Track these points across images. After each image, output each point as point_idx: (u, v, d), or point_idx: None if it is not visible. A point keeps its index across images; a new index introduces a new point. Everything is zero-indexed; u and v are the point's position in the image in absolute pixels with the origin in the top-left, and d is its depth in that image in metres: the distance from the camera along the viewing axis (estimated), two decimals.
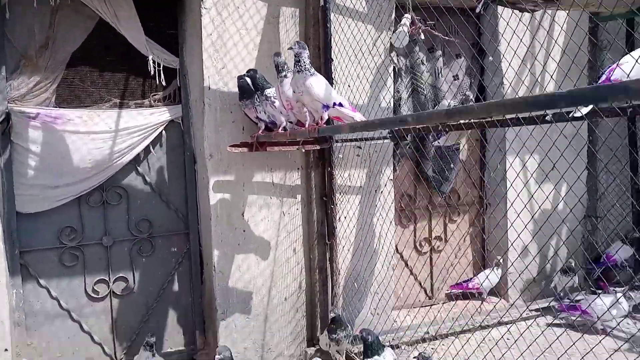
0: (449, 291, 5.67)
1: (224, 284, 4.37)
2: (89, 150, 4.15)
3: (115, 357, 4.50)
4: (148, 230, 4.50)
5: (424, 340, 4.82)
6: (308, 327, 4.76)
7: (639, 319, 5.05)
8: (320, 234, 4.56)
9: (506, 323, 4.55)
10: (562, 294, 5.69)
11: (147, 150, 4.44)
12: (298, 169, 4.55)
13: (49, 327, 4.26)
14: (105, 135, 4.19)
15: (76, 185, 4.19)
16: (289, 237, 4.55)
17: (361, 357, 3.92)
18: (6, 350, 3.78)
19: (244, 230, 4.36)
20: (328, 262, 4.59)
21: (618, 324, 4.69)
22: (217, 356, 3.54)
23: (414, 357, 3.35)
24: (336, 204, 4.51)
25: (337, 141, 4.50)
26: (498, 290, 5.66)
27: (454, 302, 5.39)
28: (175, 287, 4.66)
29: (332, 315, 4.18)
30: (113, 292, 4.43)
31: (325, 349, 4.41)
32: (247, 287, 4.45)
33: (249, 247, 4.40)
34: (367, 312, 4.79)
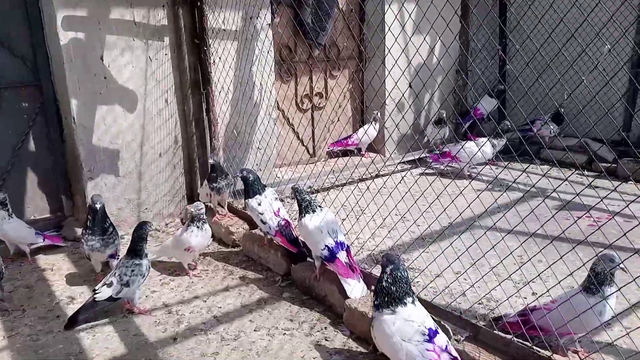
0: (329, 149, 5.75)
1: (88, 139, 3.96)
2: None
3: None
4: None
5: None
6: (187, 184, 4.57)
7: (499, 165, 5.51)
8: (194, 81, 4.22)
9: (383, 175, 4.72)
10: (433, 145, 6.03)
11: None
12: (163, 6, 4.04)
13: None
14: None
15: None
16: (159, 87, 4.17)
17: (243, 208, 3.85)
18: None
19: (105, 77, 3.90)
20: (204, 113, 4.33)
21: (480, 168, 5.08)
22: (92, 205, 3.25)
23: (291, 189, 3.31)
24: (209, 47, 4.15)
25: None
26: (376, 145, 5.84)
27: (335, 159, 5.47)
28: (32, 147, 4.15)
29: (211, 162, 3.98)
30: None
31: (206, 201, 4.28)
32: (114, 143, 4.08)
33: (112, 96, 3.96)
34: (250, 167, 4.68)
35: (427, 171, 5.49)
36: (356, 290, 2.87)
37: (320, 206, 3.15)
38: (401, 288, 2.23)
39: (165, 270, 3.57)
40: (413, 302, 2.24)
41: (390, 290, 2.23)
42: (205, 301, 3.16)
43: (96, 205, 3.26)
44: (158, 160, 4.34)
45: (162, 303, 3.16)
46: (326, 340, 2.74)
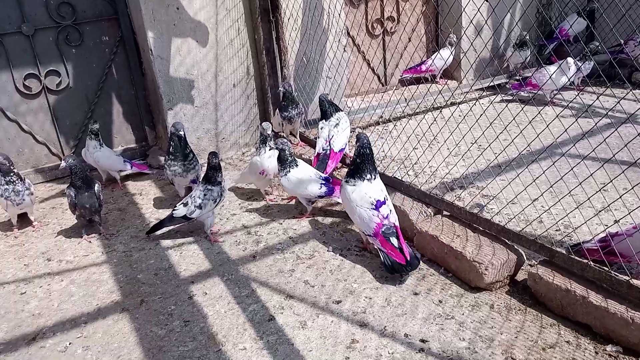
0: (402, 76, 5.60)
1: (165, 70, 4.10)
2: None
3: (63, 155, 4.36)
4: (72, 16, 4.04)
5: (377, 123, 4.84)
6: (261, 114, 4.65)
7: (586, 90, 5.15)
8: (263, 9, 4.18)
9: (459, 103, 4.57)
10: (514, 70, 5.72)
11: None
12: None
13: None
14: None
15: None
16: (229, 16, 4.19)
17: (315, 139, 3.92)
18: None
19: (178, 8, 3.96)
20: (274, 41, 4.32)
21: (558, 91, 4.78)
22: (176, 132, 3.41)
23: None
24: None
25: None
26: (451, 71, 5.62)
27: (406, 87, 5.34)
28: (115, 80, 4.37)
29: (282, 90, 4.01)
30: (47, 87, 4.12)
31: (279, 130, 4.37)
32: (190, 73, 4.20)
33: (185, 27, 4.04)
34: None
35: (506, 98, 5.24)
36: None
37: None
38: (364, 165, 2.73)
39: (244, 196, 3.75)
40: (370, 180, 2.75)
41: (355, 164, 2.76)
42: (281, 223, 3.31)
43: (179, 132, 3.42)
44: (232, 91, 4.43)
45: (242, 225, 3.34)
46: None
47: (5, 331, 2.49)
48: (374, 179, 2.76)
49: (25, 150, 4.22)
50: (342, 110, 3.87)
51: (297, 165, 3.27)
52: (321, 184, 3.25)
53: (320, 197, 3.29)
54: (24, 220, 3.53)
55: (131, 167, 4.08)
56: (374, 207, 2.70)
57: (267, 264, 2.88)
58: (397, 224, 2.74)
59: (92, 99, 4.32)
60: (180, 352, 2.25)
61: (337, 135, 3.69)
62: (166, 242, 3.20)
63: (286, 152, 3.23)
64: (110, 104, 4.43)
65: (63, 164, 3.12)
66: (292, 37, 4.34)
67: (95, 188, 3.20)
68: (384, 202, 2.74)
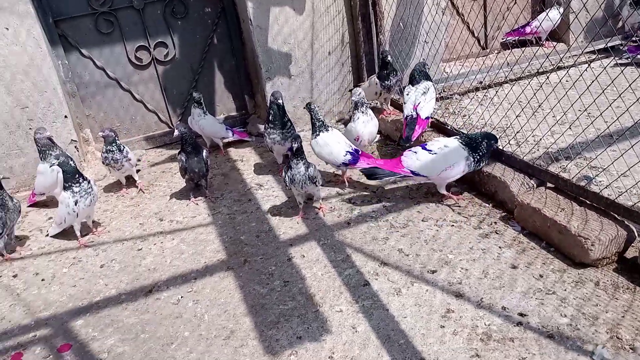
0: (504, 39, 5.31)
1: (264, 39, 4.21)
2: None
3: (172, 123, 4.66)
4: None
5: (477, 89, 4.66)
6: (355, 82, 4.65)
7: None
8: None
9: (568, 68, 4.26)
10: (630, 31, 5.21)
11: None
12: None
13: (102, 97, 4.38)
14: None
15: None
16: None
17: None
18: (66, 117, 3.95)
19: None
20: (371, 7, 4.26)
21: None
22: (275, 100, 3.51)
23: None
24: None
25: None
26: (560, 33, 5.24)
27: (509, 51, 5.06)
28: (217, 50, 4.56)
29: (386, 58, 3.88)
30: (156, 58, 4.39)
31: (372, 99, 4.34)
32: (287, 42, 4.28)
33: None
34: (415, 62, 4.55)
35: (620, 62, 4.81)
36: None
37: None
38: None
39: None
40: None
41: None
42: (375, 192, 3.34)
43: (278, 101, 3.52)
44: (327, 59, 4.46)
45: (336, 192, 3.41)
46: (496, 233, 2.74)
47: (126, 283, 2.77)
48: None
49: (138, 117, 4.56)
50: (431, 80, 3.79)
51: (327, 130, 3.34)
52: (347, 152, 3.28)
53: (345, 164, 3.32)
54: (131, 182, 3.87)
55: (233, 134, 4.27)
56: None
57: (361, 231, 2.93)
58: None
59: (196, 69, 4.55)
60: (280, 310, 2.39)
61: (425, 103, 3.63)
62: (266, 207, 3.36)
63: (317, 113, 3.36)
64: (213, 73, 4.64)
65: (176, 132, 3.33)
66: (389, 1, 4.25)
67: (204, 154, 3.41)
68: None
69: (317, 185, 3.06)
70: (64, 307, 2.63)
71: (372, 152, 3.89)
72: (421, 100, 3.64)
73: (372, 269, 2.59)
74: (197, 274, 2.75)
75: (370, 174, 3.12)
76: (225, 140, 4.33)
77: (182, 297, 2.58)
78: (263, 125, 4.49)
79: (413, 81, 3.76)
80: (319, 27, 4.32)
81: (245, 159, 4.17)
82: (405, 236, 2.82)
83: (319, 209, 3.20)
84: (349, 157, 3.27)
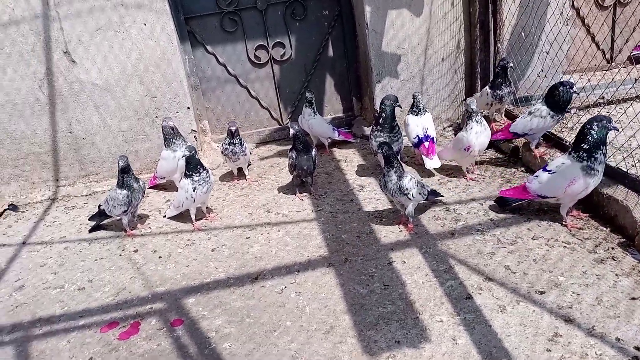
0: (633, 53, 4.94)
1: (378, 43, 4.25)
2: None
3: (282, 120, 4.86)
4: None
5: (599, 104, 4.38)
6: (467, 89, 4.56)
7: None
8: None
9: None
10: None
11: None
12: None
13: (221, 92, 4.66)
14: None
15: None
16: None
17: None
18: (188, 108, 4.25)
19: None
20: (490, 15, 4.15)
21: None
22: (387, 101, 3.55)
23: None
24: None
25: None
26: None
27: (636, 66, 4.70)
28: (330, 52, 4.68)
29: (504, 64, 3.81)
30: (273, 58, 4.60)
31: (484, 110, 4.22)
32: (401, 47, 4.29)
33: (402, 0, 4.12)
34: (533, 73, 4.38)
35: None
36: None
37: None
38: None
39: (443, 172, 3.76)
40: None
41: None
42: (482, 204, 3.26)
43: (395, 104, 3.55)
44: (440, 65, 4.42)
45: (440, 200, 3.38)
46: (613, 260, 2.58)
47: (234, 268, 2.94)
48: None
49: (251, 113, 4.79)
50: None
51: (420, 114, 3.82)
52: (417, 135, 3.79)
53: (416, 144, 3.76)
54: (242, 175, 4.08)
55: (338, 135, 4.36)
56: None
57: (466, 243, 2.88)
58: None
59: (309, 70, 4.70)
60: (380, 312, 2.42)
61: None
62: (367, 208, 3.40)
63: (420, 101, 3.81)
64: (324, 75, 4.76)
65: (291, 130, 3.47)
66: (512, 10, 4.11)
67: (313, 153, 3.52)
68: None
69: (409, 198, 3.00)
70: (178, 285, 2.84)
71: (481, 163, 3.80)
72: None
73: (475, 282, 2.54)
74: (300, 267, 2.85)
75: (500, 203, 3.16)
76: (330, 140, 4.43)
77: (285, 287, 2.69)
78: (367, 128, 4.58)
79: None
80: (434, 33, 4.28)
81: (349, 159, 4.24)
82: (512, 253, 2.73)
83: (405, 228, 3.11)
84: (416, 140, 3.78)
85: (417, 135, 3.77)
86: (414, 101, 3.85)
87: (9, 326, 2.69)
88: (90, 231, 3.54)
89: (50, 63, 3.90)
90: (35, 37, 3.81)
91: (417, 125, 3.78)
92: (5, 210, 4.06)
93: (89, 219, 3.57)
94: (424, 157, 3.75)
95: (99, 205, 3.45)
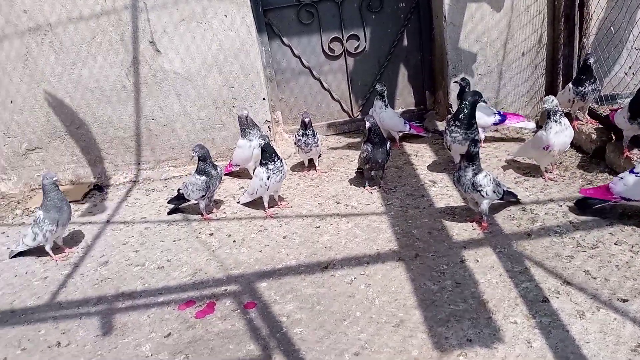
0: None
1: (456, 37, 4.17)
2: None
3: (352, 113, 4.87)
4: None
5: None
6: (547, 86, 4.38)
7: None
8: None
9: None
10: None
11: None
12: None
13: (294, 84, 4.74)
14: None
15: None
16: None
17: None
18: (264, 99, 4.35)
19: None
20: (577, 8, 3.96)
21: None
22: (469, 98, 3.44)
23: None
24: None
25: None
26: None
27: None
28: (405, 45, 4.64)
29: (589, 61, 3.60)
30: (347, 50, 4.61)
31: (565, 108, 4.03)
32: (479, 41, 4.18)
33: None
34: (621, 70, 4.14)
35: None
36: None
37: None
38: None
39: (520, 170, 3.64)
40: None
41: None
42: (561, 206, 3.13)
43: (474, 98, 3.43)
44: (520, 60, 4.27)
45: (517, 201, 3.28)
46: None
47: (305, 255, 3.00)
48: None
49: (323, 105, 4.84)
50: None
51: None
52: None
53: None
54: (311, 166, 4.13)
55: (409, 128, 4.32)
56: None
57: (543, 244, 2.79)
58: None
59: (382, 63, 4.68)
60: (451, 310, 2.40)
61: None
62: (439, 204, 3.36)
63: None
64: (397, 67, 4.72)
65: (367, 123, 3.47)
66: (601, 4, 3.90)
67: (387, 145, 3.52)
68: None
69: (483, 196, 2.93)
70: (251, 269, 2.94)
71: (561, 163, 3.65)
72: None
73: (552, 286, 2.46)
74: (370, 259, 2.87)
75: (581, 205, 3.04)
76: (401, 134, 4.40)
77: (355, 278, 2.72)
78: (440, 122, 4.51)
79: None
80: (515, 26, 4.14)
81: (420, 154, 4.19)
82: (593, 257, 2.62)
83: (479, 227, 3.04)
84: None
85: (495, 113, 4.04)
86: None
87: (95, 298, 2.89)
88: (169, 213, 3.72)
89: (136, 52, 4.11)
90: (124, 27, 4.02)
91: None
92: (91, 190, 4.34)
93: (167, 202, 3.76)
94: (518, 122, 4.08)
95: (178, 189, 3.61)
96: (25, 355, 2.52)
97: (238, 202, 3.74)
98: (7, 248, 3.52)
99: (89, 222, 3.81)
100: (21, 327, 2.73)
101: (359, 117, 4.85)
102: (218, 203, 3.77)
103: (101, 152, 4.43)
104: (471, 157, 2.94)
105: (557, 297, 2.38)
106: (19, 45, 4.05)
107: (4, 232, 3.86)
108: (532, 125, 4.17)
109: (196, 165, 3.47)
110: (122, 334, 2.56)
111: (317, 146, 3.93)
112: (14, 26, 3.99)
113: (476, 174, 2.92)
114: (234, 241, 3.25)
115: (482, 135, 3.90)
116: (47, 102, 4.24)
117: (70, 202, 3.46)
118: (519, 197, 3.22)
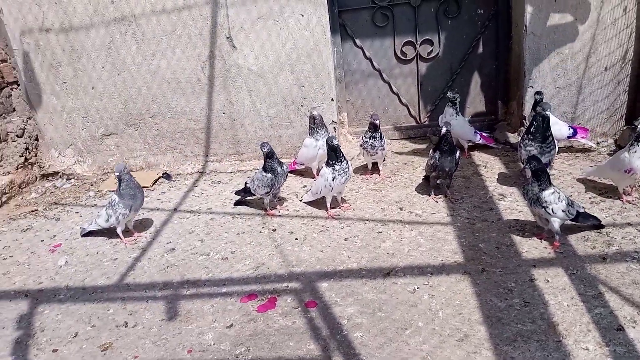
0: None
1: (535, 47, 4.03)
2: None
3: (420, 118, 4.81)
4: None
5: None
6: (629, 103, 4.17)
7: None
8: None
9: None
10: None
11: None
12: None
13: (363, 86, 4.73)
14: None
15: None
16: None
17: None
18: (332, 99, 4.36)
19: None
20: None
21: None
22: (539, 109, 3.32)
23: None
24: None
25: None
26: None
27: None
28: (480, 52, 4.53)
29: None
30: (419, 54, 4.56)
31: None
32: (561, 52, 4.02)
33: (567, 3, 3.86)
34: None
35: None
36: None
37: None
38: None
39: (596, 190, 3.48)
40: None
41: None
42: (639, 230, 2.98)
43: (546, 112, 3.29)
44: (602, 75, 4.08)
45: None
46: None
47: (367, 260, 2.98)
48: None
49: (390, 109, 4.80)
50: None
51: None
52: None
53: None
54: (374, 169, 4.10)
55: (479, 138, 4.22)
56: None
57: (619, 270, 2.65)
58: None
59: (455, 69, 4.59)
60: (518, 329, 2.32)
61: None
62: (508, 219, 3.26)
63: None
64: (470, 75, 4.62)
65: (443, 129, 3.41)
66: None
67: (457, 155, 3.45)
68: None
69: (548, 213, 2.82)
70: (312, 268, 2.96)
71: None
72: None
73: (628, 314, 2.33)
74: (434, 270, 2.82)
75: None
76: (470, 143, 4.30)
77: (417, 287, 2.68)
78: (511, 134, 4.38)
79: None
80: (600, 39, 3.96)
81: (489, 165, 4.08)
82: None
83: (551, 246, 2.91)
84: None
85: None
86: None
87: (161, 283, 2.99)
88: (235, 204, 3.80)
89: (213, 47, 4.22)
90: (203, 22, 4.14)
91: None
92: (159, 177, 4.50)
93: (235, 193, 3.84)
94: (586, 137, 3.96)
95: (245, 182, 3.69)
96: (94, 332, 2.64)
97: (301, 200, 3.77)
98: (80, 227, 3.70)
99: (157, 209, 3.95)
100: (91, 304, 2.86)
101: (426, 122, 4.78)
102: (281, 200, 3.82)
103: (172, 142, 4.59)
104: (535, 174, 2.86)
105: (634, 327, 2.25)
106: (104, 34, 4.25)
107: (77, 212, 4.07)
108: (592, 144, 4.09)
109: (263, 160, 3.52)
110: (186, 321, 2.63)
111: (383, 149, 3.90)
112: (101, 16, 4.19)
113: (542, 190, 2.83)
114: (296, 239, 3.28)
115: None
116: (125, 90, 4.42)
117: None
118: (601, 222, 3.04)
